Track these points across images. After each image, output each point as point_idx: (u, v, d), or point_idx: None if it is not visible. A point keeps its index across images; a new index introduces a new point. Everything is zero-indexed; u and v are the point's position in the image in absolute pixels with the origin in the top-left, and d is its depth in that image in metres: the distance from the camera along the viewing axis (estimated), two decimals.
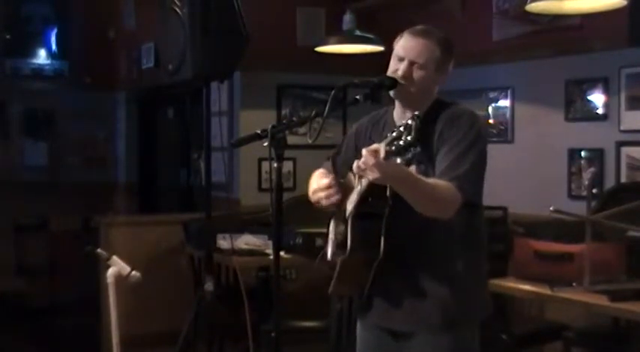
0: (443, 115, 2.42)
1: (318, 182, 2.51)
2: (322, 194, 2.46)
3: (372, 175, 2.07)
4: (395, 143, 2.00)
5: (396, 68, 2.45)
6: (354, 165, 2.12)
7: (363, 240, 2.34)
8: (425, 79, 2.43)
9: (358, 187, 2.32)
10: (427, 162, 2.36)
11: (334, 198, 2.44)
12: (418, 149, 1.98)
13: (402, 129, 2.00)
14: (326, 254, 2.59)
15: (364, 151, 2.06)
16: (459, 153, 2.32)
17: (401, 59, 2.44)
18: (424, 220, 2.26)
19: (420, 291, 2.38)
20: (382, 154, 2.02)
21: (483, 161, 2.38)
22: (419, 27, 2.48)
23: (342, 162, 2.71)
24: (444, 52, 2.44)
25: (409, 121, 2.00)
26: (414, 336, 2.42)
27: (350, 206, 2.39)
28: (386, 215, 2.30)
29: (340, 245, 2.46)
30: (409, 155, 1.99)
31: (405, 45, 2.45)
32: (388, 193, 2.27)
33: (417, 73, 2.42)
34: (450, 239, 2.38)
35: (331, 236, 2.59)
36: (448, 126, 2.38)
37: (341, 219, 2.49)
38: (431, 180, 2.25)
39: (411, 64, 2.42)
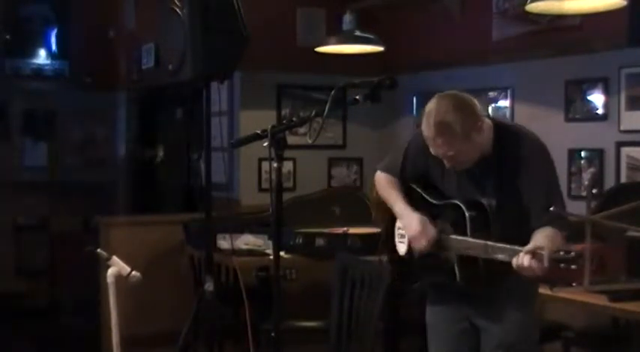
0: (515, 154, 2.60)
1: (428, 235, 2.73)
2: (426, 245, 2.74)
3: (530, 276, 2.35)
4: (563, 265, 2.24)
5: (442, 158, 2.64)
6: (514, 262, 2.35)
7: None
8: (467, 152, 2.59)
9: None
10: (500, 196, 2.59)
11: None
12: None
13: (571, 256, 2.23)
14: (397, 248, 2.93)
15: (533, 261, 2.31)
16: (548, 194, 2.60)
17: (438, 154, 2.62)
18: None
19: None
20: (546, 264, 2.27)
21: (559, 182, 2.71)
22: (430, 119, 2.55)
23: (411, 168, 2.89)
24: (462, 122, 2.52)
25: (577, 256, 2.22)
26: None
27: (457, 247, 2.63)
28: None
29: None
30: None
31: (429, 143, 2.60)
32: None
33: (459, 157, 2.59)
34: None
35: (402, 232, 2.86)
36: (525, 174, 2.59)
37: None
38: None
39: (449, 157, 2.59)
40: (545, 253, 2.26)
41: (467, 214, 2.57)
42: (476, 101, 2.61)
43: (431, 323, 2.92)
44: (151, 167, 7.81)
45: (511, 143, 2.62)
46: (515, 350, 2.70)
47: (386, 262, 3.08)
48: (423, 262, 2.80)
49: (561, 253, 2.24)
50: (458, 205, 2.62)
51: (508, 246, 2.39)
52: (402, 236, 2.89)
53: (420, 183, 2.84)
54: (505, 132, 2.65)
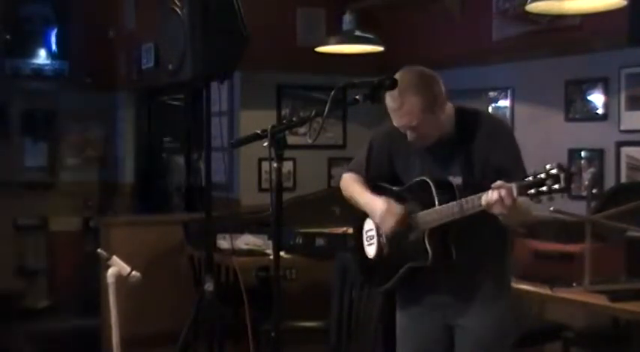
0: (478, 131, 2.63)
1: (393, 212, 2.66)
2: (394, 222, 2.65)
3: (500, 210, 2.31)
4: (537, 189, 2.19)
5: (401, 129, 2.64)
6: (484, 199, 2.33)
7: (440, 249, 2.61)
8: (430, 126, 2.61)
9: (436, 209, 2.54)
10: (466, 174, 2.60)
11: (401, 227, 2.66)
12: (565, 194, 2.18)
13: (543, 175, 2.18)
14: (366, 252, 2.85)
15: (502, 190, 2.28)
16: (516, 167, 2.56)
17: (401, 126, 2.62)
18: (481, 230, 2.57)
19: (467, 284, 2.69)
20: (515, 194, 2.26)
21: (523, 160, 2.66)
22: (395, 91, 2.54)
23: (375, 167, 2.87)
24: (425, 94, 2.56)
25: (556, 172, 2.16)
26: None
27: (426, 220, 2.60)
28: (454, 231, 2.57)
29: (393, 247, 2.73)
30: (546, 198, 2.20)
31: (393, 115, 2.62)
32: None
33: (421, 130, 2.60)
34: (493, 239, 2.66)
35: (371, 234, 2.82)
36: (491, 145, 2.61)
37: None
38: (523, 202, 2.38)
39: (412, 128, 2.60)
40: (513, 185, 2.27)
41: (434, 190, 2.56)
42: (439, 78, 2.64)
43: (401, 325, 2.87)
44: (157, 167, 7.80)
45: (473, 123, 2.65)
46: (490, 348, 2.68)
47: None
48: (396, 250, 2.73)
49: (530, 178, 2.22)
50: (425, 183, 2.60)
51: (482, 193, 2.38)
52: (371, 237, 2.82)
53: (387, 181, 2.82)
54: (466, 114, 2.68)
